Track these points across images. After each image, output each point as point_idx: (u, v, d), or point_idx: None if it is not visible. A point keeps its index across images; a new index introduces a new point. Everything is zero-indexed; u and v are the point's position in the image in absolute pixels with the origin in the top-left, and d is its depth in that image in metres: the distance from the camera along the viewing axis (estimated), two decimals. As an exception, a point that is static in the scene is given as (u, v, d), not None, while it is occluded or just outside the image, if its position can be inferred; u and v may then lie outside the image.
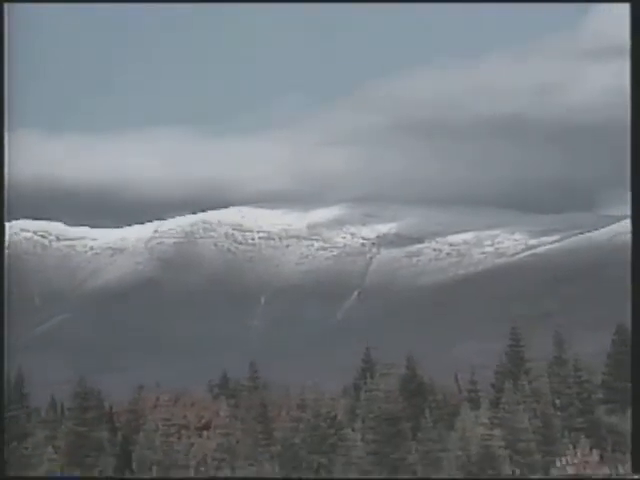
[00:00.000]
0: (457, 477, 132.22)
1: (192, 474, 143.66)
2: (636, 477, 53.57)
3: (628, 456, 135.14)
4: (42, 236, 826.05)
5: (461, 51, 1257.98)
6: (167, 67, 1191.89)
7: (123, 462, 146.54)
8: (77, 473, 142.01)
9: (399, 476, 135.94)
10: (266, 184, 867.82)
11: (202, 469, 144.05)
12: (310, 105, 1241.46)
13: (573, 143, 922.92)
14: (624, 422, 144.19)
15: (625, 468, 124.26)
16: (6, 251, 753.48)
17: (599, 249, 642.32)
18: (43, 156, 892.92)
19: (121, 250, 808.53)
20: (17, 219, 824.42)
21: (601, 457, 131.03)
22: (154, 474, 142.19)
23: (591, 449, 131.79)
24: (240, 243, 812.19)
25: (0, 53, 62.24)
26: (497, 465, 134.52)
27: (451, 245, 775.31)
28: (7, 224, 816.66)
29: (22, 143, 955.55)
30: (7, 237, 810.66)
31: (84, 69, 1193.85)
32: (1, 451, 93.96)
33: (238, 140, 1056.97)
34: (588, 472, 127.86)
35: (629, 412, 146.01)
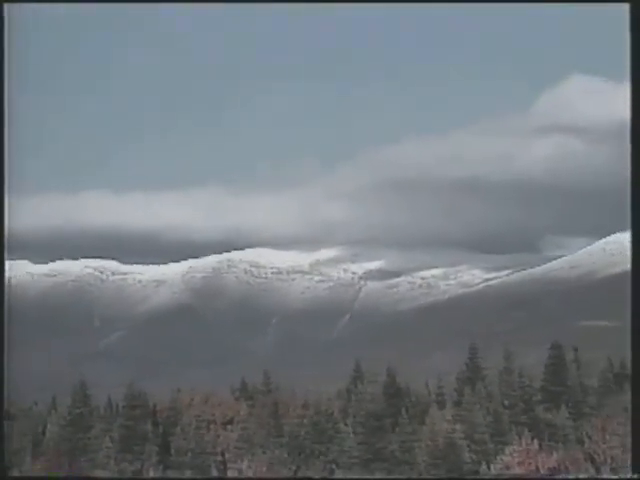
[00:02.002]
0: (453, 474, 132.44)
1: (219, 459, 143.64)
2: (636, 477, 51.82)
3: (560, 445, 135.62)
4: (101, 272, 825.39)
5: (437, 127, 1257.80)
6: (200, 136, 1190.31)
7: (163, 450, 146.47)
8: (128, 458, 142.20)
9: (395, 473, 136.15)
10: (278, 230, 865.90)
11: (226, 455, 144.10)
12: (316, 168, 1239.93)
13: (522, 199, 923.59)
14: (558, 418, 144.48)
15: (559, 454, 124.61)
16: (52, 279, 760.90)
17: (538, 282, 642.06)
18: (106, 209, 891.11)
19: (162, 282, 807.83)
20: (82, 258, 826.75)
21: (540, 445, 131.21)
22: (188, 459, 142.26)
23: (532, 439, 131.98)
24: (256, 277, 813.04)
25: (0, 53, 54.25)
26: (458, 452, 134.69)
27: (423, 279, 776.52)
28: (74, 262, 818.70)
29: (92, 198, 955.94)
30: (75, 272, 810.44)
31: (123, 134, 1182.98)
32: (1, 451, 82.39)
33: (257, 195, 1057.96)
34: (530, 458, 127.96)
35: (562, 410, 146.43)
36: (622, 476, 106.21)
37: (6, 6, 52.59)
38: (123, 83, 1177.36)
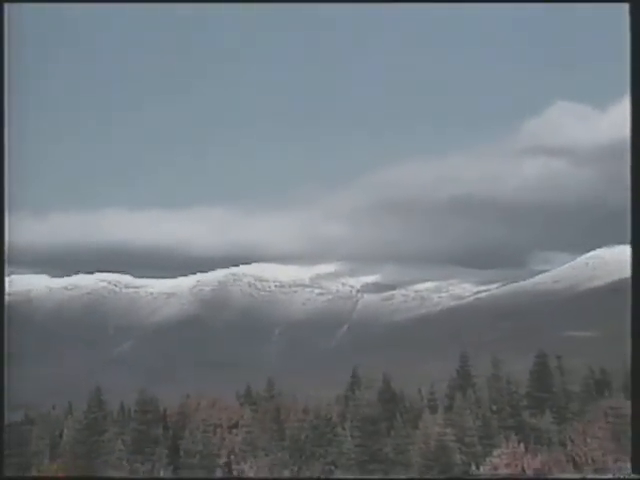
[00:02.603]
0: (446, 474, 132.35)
1: (224, 461, 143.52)
2: (636, 477, 50.56)
3: (545, 447, 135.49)
4: (115, 285, 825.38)
5: (433, 150, 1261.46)
6: (209, 159, 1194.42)
7: (173, 452, 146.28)
8: (140, 459, 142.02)
9: (391, 474, 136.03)
10: (280, 247, 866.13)
11: (232, 457, 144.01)
12: (317, 190, 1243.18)
13: (510, 217, 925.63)
14: (542, 422, 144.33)
15: (542, 457, 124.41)
16: (69, 292, 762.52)
17: (525, 295, 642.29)
18: (121, 226, 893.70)
19: (172, 295, 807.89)
20: (97, 272, 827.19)
21: (526, 448, 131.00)
22: (196, 461, 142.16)
23: (519, 442, 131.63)
24: (260, 290, 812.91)
25: (0, 53, 50.48)
26: (450, 454, 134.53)
27: (416, 291, 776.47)
28: (90, 276, 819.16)
29: (107, 216, 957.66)
30: (90, 285, 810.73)
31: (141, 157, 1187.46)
32: (1, 451, 79.52)
33: (261, 214, 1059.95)
34: (517, 459, 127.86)
35: (546, 415, 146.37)
36: (622, 476, 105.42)
37: (6, 6, 49.65)
38: (139, 108, 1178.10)
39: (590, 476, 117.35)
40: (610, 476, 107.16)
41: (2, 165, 47.80)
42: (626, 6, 48.91)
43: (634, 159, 46.58)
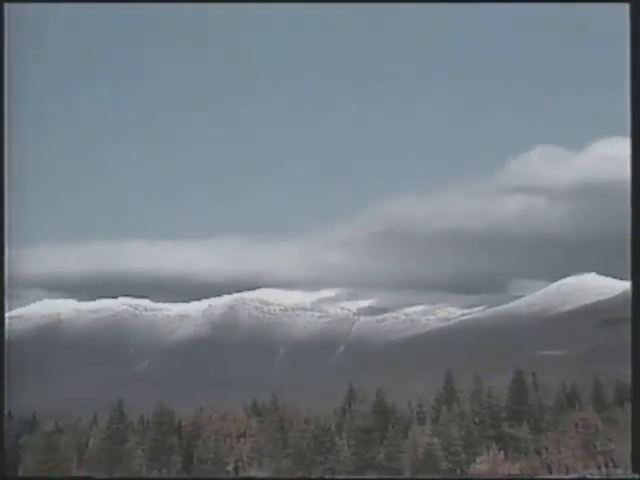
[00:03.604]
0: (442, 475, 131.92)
1: (232, 467, 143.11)
2: (636, 477, 51.62)
3: (522, 456, 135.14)
4: (135, 308, 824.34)
5: (425, 188, 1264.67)
6: (220, 197, 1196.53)
7: (187, 459, 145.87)
8: (157, 466, 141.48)
9: (384, 473, 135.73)
10: (284, 274, 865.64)
11: (239, 463, 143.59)
12: (318, 222, 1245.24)
13: (492, 248, 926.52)
14: (520, 433, 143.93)
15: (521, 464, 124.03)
16: (95, 315, 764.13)
17: (504, 317, 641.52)
18: (142, 256, 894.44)
19: (187, 317, 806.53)
20: (120, 297, 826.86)
21: (505, 456, 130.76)
22: (208, 467, 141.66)
23: (499, 451, 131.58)
24: (265, 313, 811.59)
25: (0, 53, 46.84)
26: (437, 461, 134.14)
27: (407, 314, 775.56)
28: (113, 300, 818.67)
29: (130, 247, 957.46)
30: (114, 309, 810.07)
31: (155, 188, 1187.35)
32: (1, 451, 75.44)
33: (267, 245, 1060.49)
34: (497, 466, 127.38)
35: (523, 426, 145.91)
36: (622, 476, 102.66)
37: (6, 6, 46.50)
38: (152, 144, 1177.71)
39: (590, 476, 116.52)
40: (610, 476, 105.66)
41: (2, 195, 45.52)
42: (626, 7, 45.84)
43: (634, 160, 44.18)
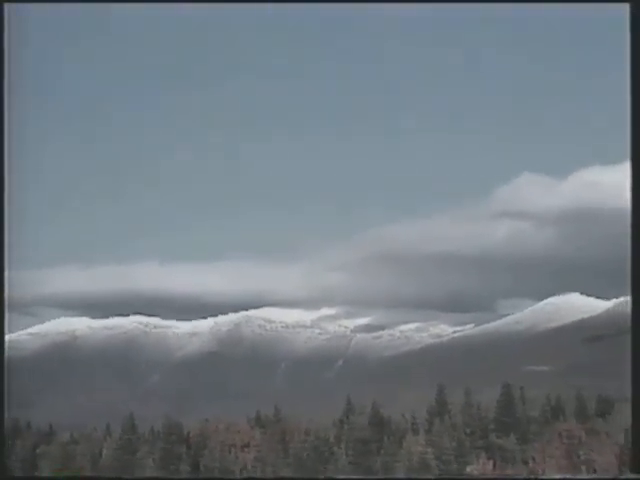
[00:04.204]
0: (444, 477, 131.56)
1: (237, 475, 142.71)
2: (636, 477, 47.26)
3: (510, 465, 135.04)
4: (146, 326, 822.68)
5: (418, 213, 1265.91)
6: (226, 221, 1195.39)
7: (194, 468, 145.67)
8: (167, 474, 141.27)
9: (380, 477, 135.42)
10: (286, 294, 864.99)
11: (244, 472, 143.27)
12: (318, 244, 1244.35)
13: (482, 270, 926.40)
14: (508, 443, 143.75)
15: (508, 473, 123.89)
16: (108, 332, 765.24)
17: (493, 335, 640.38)
18: (152, 276, 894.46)
19: (195, 334, 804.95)
20: (132, 315, 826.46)
21: (494, 465, 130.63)
22: (214, 476, 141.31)
23: (488, 460, 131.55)
24: (268, 330, 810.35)
25: (0, 53, 44.10)
26: (430, 470, 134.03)
27: (401, 332, 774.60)
28: (125, 318, 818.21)
29: (141, 268, 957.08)
30: (126, 326, 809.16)
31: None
32: (1, 451, 72.03)
33: (271, 266, 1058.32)
34: (486, 475, 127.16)
35: (511, 437, 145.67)
36: (623, 476, 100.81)
37: (6, 6, 44.34)
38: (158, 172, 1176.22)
39: (590, 476, 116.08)
40: (610, 476, 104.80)
41: (2, 225, 43.65)
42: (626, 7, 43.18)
43: (634, 164, 41.91)
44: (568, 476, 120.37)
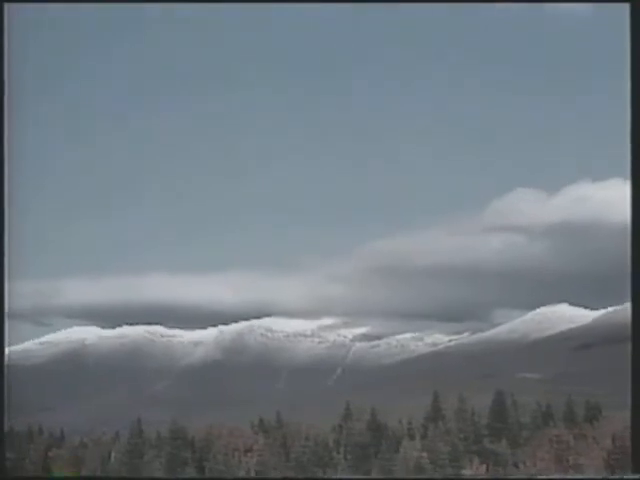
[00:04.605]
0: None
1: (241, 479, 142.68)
2: (636, 477, 49.19)
3: (501, 468, 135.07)
4: (153, 334, 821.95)
5: (414, 226, 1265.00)
6: (231, 236, 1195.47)
7: (199, 471, 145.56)
8: (173, 478, 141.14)
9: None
10: (288, 304, 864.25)
11: (247, 475, 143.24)
12: (318, 258, 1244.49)
13: (476, 281, 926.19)
14: (500, 448, 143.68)
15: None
16: (116, 340, 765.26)
17: (487, 343, 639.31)
18: (160, 287, 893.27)
19: (199, 343, 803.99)
20: (139, 324, 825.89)
21: (487, 469, 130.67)
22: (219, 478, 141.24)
23: (481, 464, 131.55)
24: (271, 339, 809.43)
25: (0, 53, 43.18)
26: (425, 473, 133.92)
27: (398, 341, 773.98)
28: (133, 327, 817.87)
29: (149, 279, 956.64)
30: (133, 335, 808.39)
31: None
32: (1, 451, 71.41)
33: (273, 278, 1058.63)
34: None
35: (503, 442, 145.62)
36: (623, 476, 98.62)
37: (6, 6, 42.86)
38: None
39: (590, 476, 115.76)
40: (610, 476, 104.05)
41: (2, 238, 42.25)
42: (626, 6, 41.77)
43: (634, 165, 40.85)
44: (569, 476, 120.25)
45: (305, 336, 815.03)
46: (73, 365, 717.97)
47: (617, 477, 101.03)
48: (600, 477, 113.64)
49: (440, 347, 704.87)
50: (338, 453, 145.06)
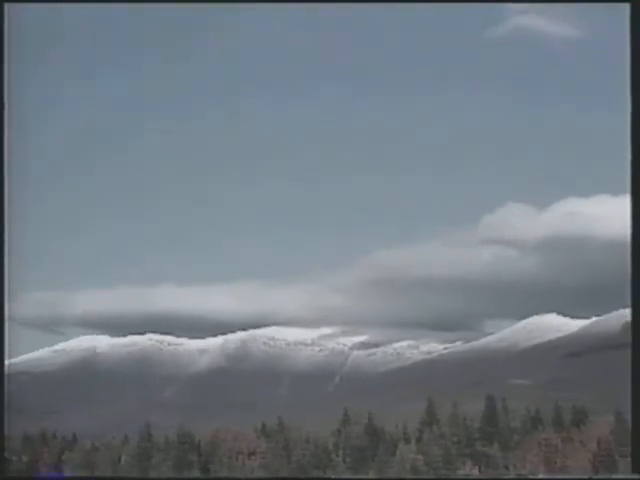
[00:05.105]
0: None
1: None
2: (636, 477, 47.64)
3: (493, 470, 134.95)
4: (160, 343, 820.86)
5: (411, 240, 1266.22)
6: (236, 247, 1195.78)
7: (205, 473, 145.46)
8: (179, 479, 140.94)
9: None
10: (289, 314, 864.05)
11: (251, 478, 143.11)
12: (319, 269, 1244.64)
13: (468, 292, 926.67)
14: (491, 450, 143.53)
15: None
16: (126, 348, 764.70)
17: (478, 352, 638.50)
18: (168, 298, 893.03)
19: (205, 351, 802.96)
20: (148, 333, 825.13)
21: (479, 471, 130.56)
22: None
23: (473, 466, 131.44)
24: (273, 347, 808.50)
25: (0, 53, 41.16)
26: (420, 475, 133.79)
27: (394, 349, 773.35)
28: (142, 336, 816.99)
29: (158, 290, 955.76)
30: (142, 343, 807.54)
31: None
32: (1, 451, 64.90)
33: (275, 288, 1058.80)
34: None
35: (494, 445, 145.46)
36: (623, 476, 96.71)
37: (6, 6, 40.86)
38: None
39: (591, 476, 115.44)
40: (610, 476, 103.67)
41: (2, 249, 40.55)
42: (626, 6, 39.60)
43: (634, 165, 39.17)
44: (568, 477, 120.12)
45: (306, 344, 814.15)
46: (85, 372, 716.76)
47: (617, 477, 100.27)
48: (601, 477, 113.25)
49: (434, 355, 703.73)
50: (337, 456, 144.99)
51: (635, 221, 38.61)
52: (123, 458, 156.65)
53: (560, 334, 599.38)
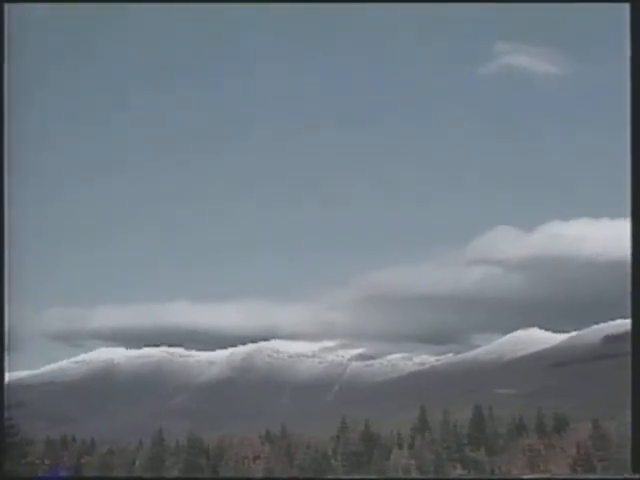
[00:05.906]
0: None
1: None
2: (636, 477, 43.41)
3: (481, 474, 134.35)
4: (172, 355, 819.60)
5: (405, 261, 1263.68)
6: (243, 267, 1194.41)
7: (213, 476, 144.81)
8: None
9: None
10: (292, 329, 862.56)
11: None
12: (320, 288, 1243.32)
13: (458, 308, 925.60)
14: (479, 455, 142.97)
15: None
16: (140, 360, 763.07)
17: (467, 363, 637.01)
18: (180, 313, 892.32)
19: (213, 362, 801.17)
20: (161, 346, 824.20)
21: (468, 474, 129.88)
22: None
23: (462, 470, 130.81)
24: (276, 359, 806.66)
25: (0, 53, 39.04)
26: (413, 478, 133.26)
27: (389, 360, 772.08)
28: (155, 348, 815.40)
29: (171, 306, 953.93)
30: (155, 355, 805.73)
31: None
32: (1, 451, 61.60)
33: (279, 305, 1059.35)
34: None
35: (482, 450, 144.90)
36: (623, 476, 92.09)
37: (6, 6, 39.20)
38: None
39: (591, 476, 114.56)
40: (610, 476, 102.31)
41: (2, 261, 37.96)
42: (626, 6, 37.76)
43: (634, 167, 36.49)
44: (568, 477, 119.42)
45: (307, 357, 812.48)
46: (103, 382, 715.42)
47: (617, 477, 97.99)
48: (603, 477, 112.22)
49: (427, 366, 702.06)
50: (336, 460, 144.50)
51: (635, 221, 36.77)
52: (137, 462, 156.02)
53: (543, 347, 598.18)
